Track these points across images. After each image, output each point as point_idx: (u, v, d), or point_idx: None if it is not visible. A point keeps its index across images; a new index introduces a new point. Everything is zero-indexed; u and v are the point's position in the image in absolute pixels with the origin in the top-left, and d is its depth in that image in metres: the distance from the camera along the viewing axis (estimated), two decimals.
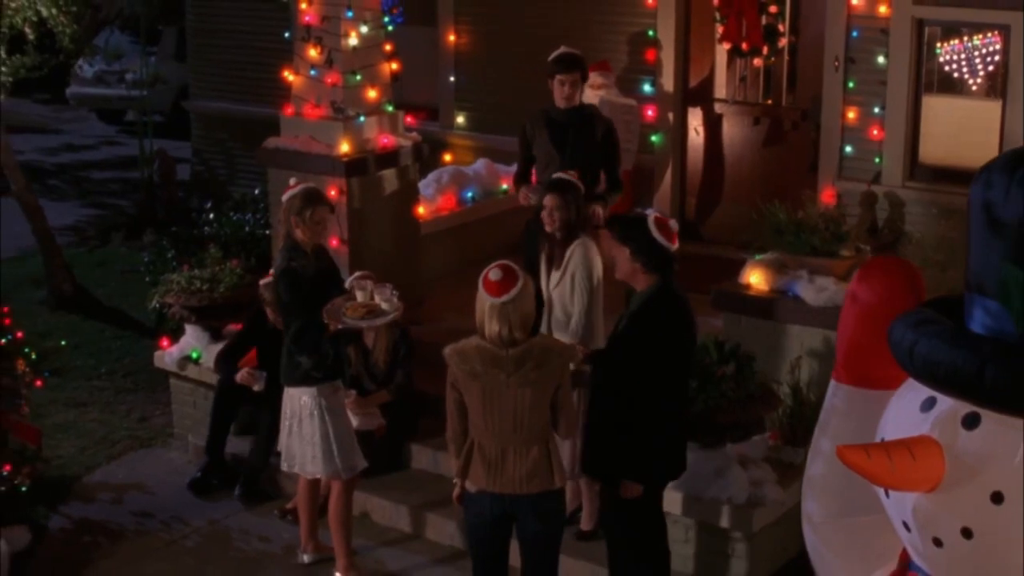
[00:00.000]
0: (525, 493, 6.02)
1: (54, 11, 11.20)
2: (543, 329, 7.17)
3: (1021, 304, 3.28)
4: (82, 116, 22.99)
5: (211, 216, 10.91)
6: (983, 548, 3.31)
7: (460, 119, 12.66)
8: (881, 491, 3.51)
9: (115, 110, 22.35)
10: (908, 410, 3.47)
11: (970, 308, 3.43)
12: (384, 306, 7.21)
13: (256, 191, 11.97)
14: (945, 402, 3.36)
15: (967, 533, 3.31)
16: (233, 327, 9.09)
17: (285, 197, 7.41)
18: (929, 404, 3.40)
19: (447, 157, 12.18)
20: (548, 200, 7.27)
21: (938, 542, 3.39)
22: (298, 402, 7.25)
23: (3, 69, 10.77)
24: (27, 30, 11.24)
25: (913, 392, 3.48)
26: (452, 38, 12.59)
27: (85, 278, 12.79)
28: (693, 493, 6.98)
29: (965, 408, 3.31)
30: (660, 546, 6.63)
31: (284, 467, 7.47)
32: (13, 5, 10.70)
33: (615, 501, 6.49)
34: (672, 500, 6.96)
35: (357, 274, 7.81)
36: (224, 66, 14.61)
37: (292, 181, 7.60)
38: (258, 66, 14.00)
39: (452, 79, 12.64)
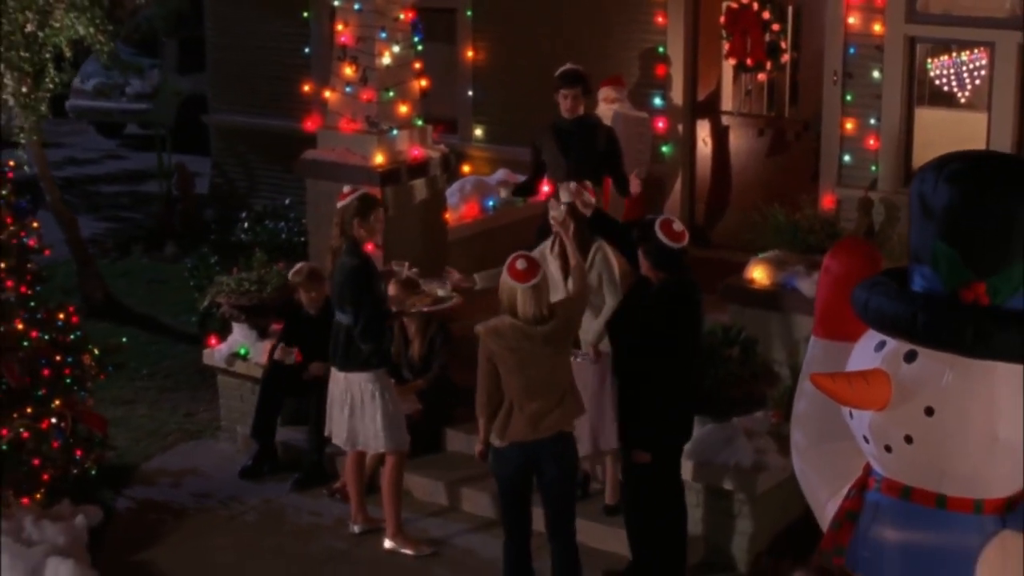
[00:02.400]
0: (550, 436, 7.68)
1: (91, 30, 12.71)
2: None
3: (947, 270, 4.79)
4: (80, 129, 24.22)
5: (246, 225, 12.45)
6: (921, 449, 4.81)
7: (478, 131, 14.24)
8: (847, 413, 5.00)
9: (114, 123, 23.68)
10: (865, 351, 4.98)
11: (912, 274, 4.95)
12: (441, 293, 8.84)
13: (287, 201, 13.51)
14: (891, 343, 4.86)
15: (908, 439, 4.81)
16: (276, 327, 10.64)
17: (342, 203, 8.97)
18: (880, 346, 4.91)
19: (465, 168, 13.71)
20: (553, 201, 8.83)
21: (888, 448, 4.89)
22: (358, 386, 8.80)
23: (51, 86, 12.31)
24: (65, 49, 12.76)
25: (868, 339, 5.00)
26: (470, 54, 14.17)
27: (111, 288, 14.31)
28: (703, 460, 8.55)
29: (905, 347, 4.81)
30: (675, 511, 8.20)
31: (347, 447, 9.02)
32: (56, 25, 12.23)
33: (632, 467, 8.08)
34: (684, 467, 8.51)
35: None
36: (243, 80, 16.10)
37: (346, 189, 9.17)
38: (278, 80, 15.53)
39: (470, 93, 14.21)
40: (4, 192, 9.35)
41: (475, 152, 14.13)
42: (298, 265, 9.87)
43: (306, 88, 14.51)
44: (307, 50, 15.18)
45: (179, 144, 20.11)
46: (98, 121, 23.56)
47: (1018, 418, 4.70)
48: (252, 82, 16.02)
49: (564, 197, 8.66)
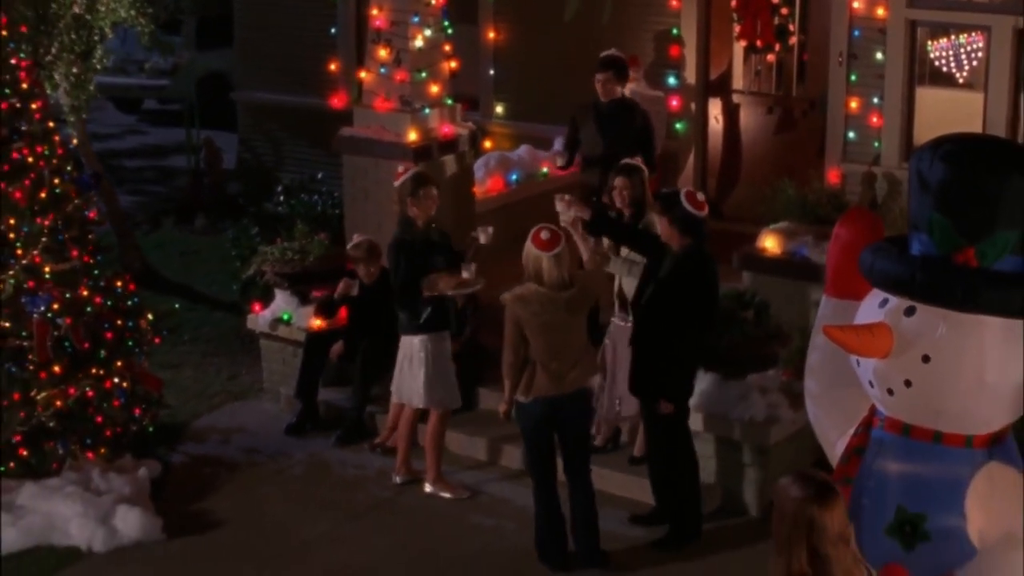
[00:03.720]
0: (571, 392, 8.61)
1: (132, 12, 13.50)
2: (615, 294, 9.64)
3: (941, 237, 5.58)
4: (98, 105, 24.97)
5: (281, 198, 13.24)
6: (919, 392, 5.60)
7: (499, 109, 15.03)
8: (855, 361, 5.81)
9: (134, 99, 24.38)
10: (870, 307, 5.78)
11: (911, 240, 5.74)
12: (467, 276, 9.69)
13: (319, 175, 14.29)
14: (893, 300, 5.65)
15: (908, 383, 5.60)
16: (316, 294, 11.45)
17: (398, 182, 9.82)
18: (883, 303, 5.71)
19: (487, 144, 14.50)
20: (618, 181, 9.69)
21: (890, 391, 5.69)
22: (410, 346, 9.67)
23: (98, 66, 13.11)
24: (108, 31, 13.54)
25: (873, 297, 5.80)
26: (491, 35, 14.96)
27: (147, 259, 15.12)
28: (718, 414, 9.39)
29: (905, 303, 5.60)
30: (690, 454, 9.04)
31: (394, 399, 9.88)
32: (102, 9, 13.02)
33: (655, 417, 8.91)
34: (698, 419, 9.35)
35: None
36: (271, 59, 16.86)
37: (400, 168, 10.02)
38: (304, 59, 16.30)
39: (491, 72, 15.00)
40: (68, 167, 10.14)
41: (496, 128, 14.91)
42: (358, 239, 10.70)
43: (332, 67, 15.39)
44: (333, 31, 15.96)
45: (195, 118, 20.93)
46: (117, 96, 24.19)
47: (1002, 365, 5.52)
48: (279, 61, 16.77)
49: (560, 208, 9.40)
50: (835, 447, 6.20)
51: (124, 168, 20.64)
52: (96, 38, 12.99)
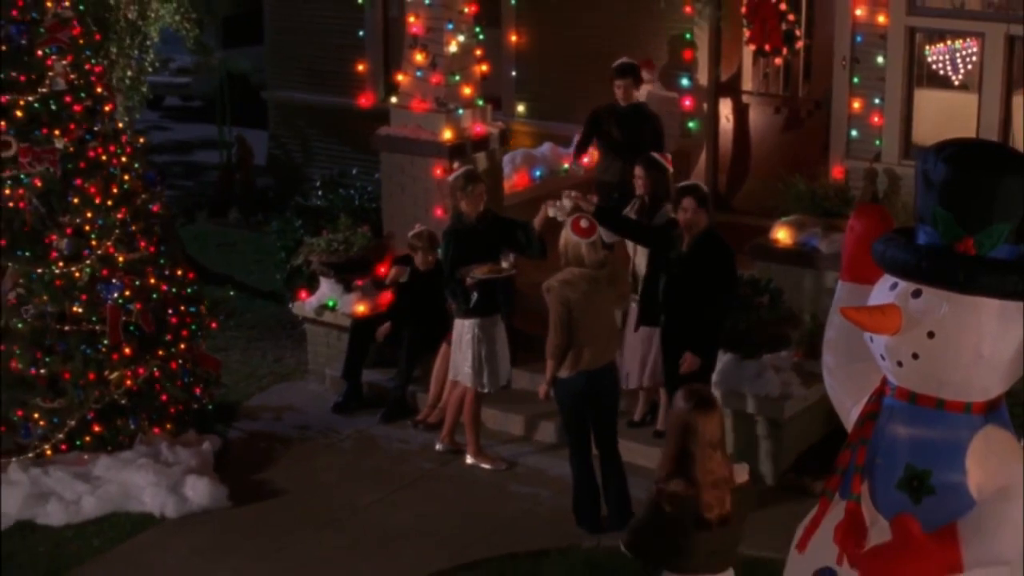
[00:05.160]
0: (605, 365, 9.54)
1: (177, 18, 14.28)
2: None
3: (944, 228, 6.30)
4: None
5: (319, 192, 13.99)
6: (925, 364, 6.31)
7: (520, 108, 15.80)
8: (868, 338, 6.55)
9: (156, 96, 25.08)
10: (882, 290, 6.53)
11: (917, 231, 6.47)
12: (504, 265, 10.52)
13: (354, 171, 15.08)
14: (902, 284, 6.37)
15: (915, 356, 6.31)
16: (359, 282, 12.24)
17: (450, 178, 10.71)
18: (893, 286, 6.45)
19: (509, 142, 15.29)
20: (638, 170, 10.59)
21: (900, 364, 6.40)
22: (461, 329, 10.51)
23: (150, 69, 13.91)
24: (155, 36, 14.33)
25: (884, 281, 6.53)
26: (513, 38, 15.72)
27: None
28: (737, 391, 10.19)
29: (913, 287, 6.31)
30: None
31: (450, 376, 10.74)
32: (152, 16, 13.80)
33: (679, 378, 9.75)
34: (716, 396, 10.08)
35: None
36: (301, 59, 17.59)
37: (455, 165, 10.86)
38: (333, 60, 17.05)
39: (513, 73, 15.76)
40: (137, 165, 10.93)
41: (517, 127, 15.65)
42: (419, 228, 11.50)
43: (360, 68, 16.19)
44: (361, 33, 16.72)
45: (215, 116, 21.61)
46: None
47: (998, 340, 6.19)
48: (309, 61, 17.50)
49: (567, 204, 10.22)
50: (850, 414, 6.90)
51: (152, 163, 21.26)
52: (148, 43, 13.77)
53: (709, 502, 6.55)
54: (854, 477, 6.48)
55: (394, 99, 13.02)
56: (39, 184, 10.12)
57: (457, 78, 12.47)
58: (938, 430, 6.36)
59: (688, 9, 14.32)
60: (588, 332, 9.43)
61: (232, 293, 13.13)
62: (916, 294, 6.23)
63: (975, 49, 12.65)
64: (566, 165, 14.15)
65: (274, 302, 14.16)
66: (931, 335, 6.19)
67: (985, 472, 6.29)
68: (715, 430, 6.44)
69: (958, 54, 12.80)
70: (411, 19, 12.55)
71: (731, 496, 6.65)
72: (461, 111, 12.50)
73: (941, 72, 12.93)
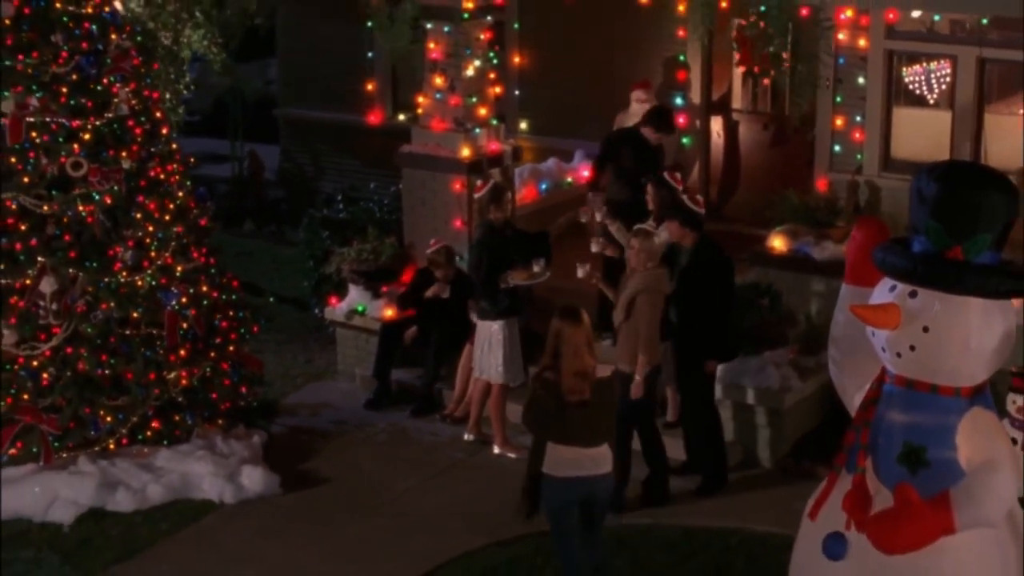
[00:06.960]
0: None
1: (205, 43, 15.18)
2: None
3: (935, 238, 7.21)
4: None
5: (341, 205, 14.89)
6: (920, 355, 7.21)
7: (523, 125, 16.76)
8: (870, 332, 7.47)
9: None
10: (882, 291, 7.45)
11: (912, 241, 7.41)
12: (536, 270, 11.49)
13: (372, 185, 15.98)
14: (900, 286, 7.26)
15: (912, 348, 7.21)
16: (384, 288, 13.17)
17: (479, 193, 11.68)
18: (892, 288, 7.36)
19: None
20: (650, 188, 11.57)
21: (899, 355, 7.29)
22: (489, 330, 11.45)
23: (185, 92, 14.79)
24: (186, 59, 15.22)
25: (884, 284, 7.44)
26: (517, 60, 16.66)
27: None
28: (741, 384, 11.18)
29: (909, 288, 7.21)
30: (716, 418, 10.88)
31: (475, 374, 11.67)
32: (184, 41, 14.70)
33: (689, 388, 10.73)
34: (721, 389, 11.15)
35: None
36: (312, 78, 18.47)
37: (479, 182, 11.85)
38: (343, 79, 17.93)
39: (517, 92, 16.70)
40: (188, 183, 11.85)
41: (521, 142, 16.51)
42: (437, 245, 12.40)
43: (369, 87, 17.09)
44: (370, 54, 17.62)
45: (213, 130, 22.31)
46: None
47: (983, 333, 7.07)
48: (320, 81, 18.39)
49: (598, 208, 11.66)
50: (854, 399, 7.78)
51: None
52: (184, 67, 14.67)
53: (572, 387, 8.46)
54: (859, 454, 7.32)
55: (402, 116, 13.89)
56: (108, 201, 10.97)
57: (474, 99, 13.40)
58: (932, 412, 7.21)
59: (682, 32, 15.29)
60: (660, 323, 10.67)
61: (272, 299, 14.00)
62: (913, 295, 7.12)
63: (948, 70, 13.54)
64: (569, 179, 15.12)
65: (297, 308, 15.04)
66: (926, 330, 7.06)
67: (973, 447, 7.16)
68: (580, 337, 8.50)
69: (933, 75, 13.68)
70: (431, 45, 13.47)
71: (591, 386, 8.52)
72: (478, 130, 13.41)
73: (917, 92, 13.83)
